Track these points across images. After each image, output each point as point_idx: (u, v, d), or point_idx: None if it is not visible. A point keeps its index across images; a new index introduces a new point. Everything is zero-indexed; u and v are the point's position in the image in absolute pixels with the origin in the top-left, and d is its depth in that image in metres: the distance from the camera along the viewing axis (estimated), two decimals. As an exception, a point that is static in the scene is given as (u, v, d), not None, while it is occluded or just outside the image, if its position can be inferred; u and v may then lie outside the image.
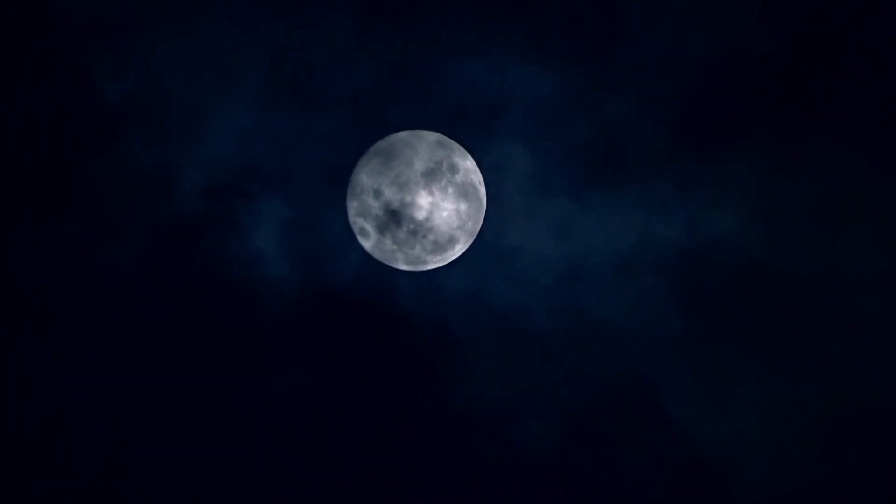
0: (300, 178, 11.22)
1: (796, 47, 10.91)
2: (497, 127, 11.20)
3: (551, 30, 11.08)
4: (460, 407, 11.20)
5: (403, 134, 10.44)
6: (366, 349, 11.24)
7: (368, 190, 10.18)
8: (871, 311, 10.85)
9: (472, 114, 11.20)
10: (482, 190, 10.61)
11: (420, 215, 10.00)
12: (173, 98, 11.16)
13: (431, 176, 10.07)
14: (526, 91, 11.17)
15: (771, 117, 10.94)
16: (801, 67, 10.91)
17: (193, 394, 11.19)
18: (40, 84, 11.07)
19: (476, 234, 10.57)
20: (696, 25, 10.96)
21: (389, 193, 10.04)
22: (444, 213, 10.10)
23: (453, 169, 10.22)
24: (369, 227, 10.28)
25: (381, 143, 10.40)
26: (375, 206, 10.13)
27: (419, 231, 10.07)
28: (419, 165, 10.09)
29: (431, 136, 10.44)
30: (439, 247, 10.29)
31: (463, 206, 10.27)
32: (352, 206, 10.41)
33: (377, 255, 10.48)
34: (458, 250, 10.55)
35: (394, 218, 10.04)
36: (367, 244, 10.44)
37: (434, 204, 10.03)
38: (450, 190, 10.14)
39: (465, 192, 10.29)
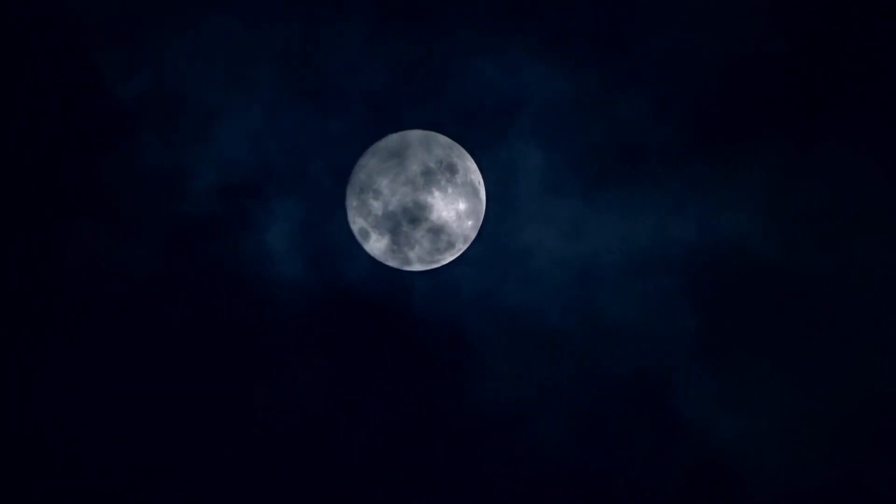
0: (313, 177, 11.22)
1: (810, 48, 10.93)
2: (510, 127, 11.22)
3: (565, 30, 11.09)
4: (474, 406, 11.21)
5: (403, 134, 10.47)
6: (379, 349, 11.25)
7: (368, 190, 10.20)
8: (884, 311, 10.88)
9: (486, 114, 11.21)
10: (482, 190, 10.63)
11: (420, 215, 10.01)
12: (186, 98, 11.16)
13: (430, 176, 10.09)
14: (539, 91, 11.19)
15: (784, 118, 10.96)
16: (814, 68, 10.93)
17: (206, 393, 11.20)
18: (53, 84, 11.07)
19: (476, 234, 10.59)
20: (709, 26, 10.97)
21: (389, 193, 10.05)
22: (444, 213, 10.12)
23: (452, 169, 10.24)
24: (369, 228, 10.30)
25: (380, 143, 10.43)
26: (375, 205, 10.14)
27: (418, 231, 10.08)
28: (418, 166, 10.11)
29: (431, 137, 10.46)
30: (439, 247, 10.31)
31: (462, 206, 10.29)
32: (351, 206, 10.43)
33: (376, 254, 10.50)
34: (458, 250, 10.57)
35: (393, 218, 10.05)
36: (366, 244, 10.46)
37: (434, 204, 10.05)
38: (449, 190, 10.15)
39: (465, 192, 10.31)
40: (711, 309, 11.01)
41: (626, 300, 11.13)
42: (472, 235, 10.58)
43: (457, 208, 10.22)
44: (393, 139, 10.45)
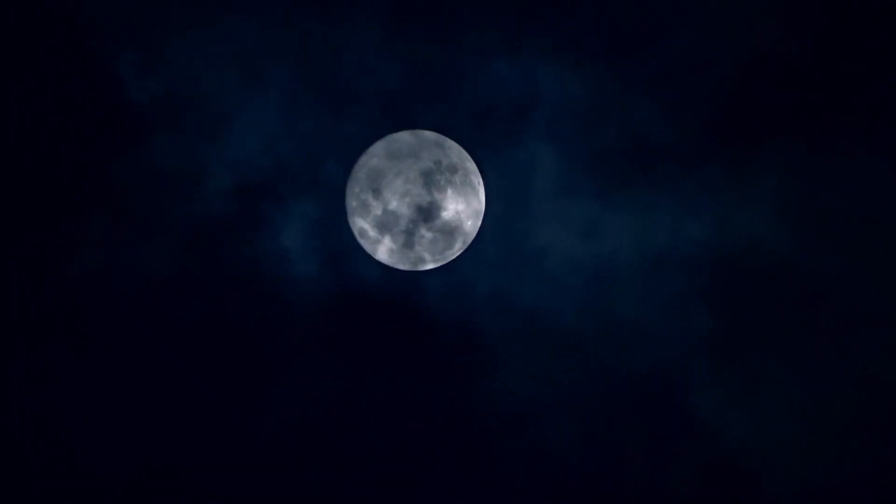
0: (327, 178, 11.24)
1: (823, 50, 10.95)
2: (525, 128, 11.24)
3: (579, 32, 11.12)
4: (489, 405, 11.23)
5: (402, 134, 10.50)
6: (394, 348, 11.27)
7: (367, 190, 10.22)
8: (898, 312, 10.92)
9: (501, 115, 11.24)
10: (481, 190, 10.65)
11: (419, 215, 10.04)
12: (201, 99, 11.18)
13: (430, 176, 10.11)
14: (554, 92, 11.21)
15: (798, 119, 10.99)
16: (828, 70, 10.96)
17: (221, 393, 11.21)
18: (69, 84, 11.08)
19: (475, 233, 10.62)
20: (723, 28, 11.00)
21: (388, 194, 10.07)
22: (444, 213, 10.14)
23: (452, 169, 10.27)
24: (369, 228, 10.32)
25: (379, 143, 10.45)
26: (375, 205, 10.17)
27: (418, 231, 10.11)
28: (417, 166, 10.13)
29: (431, 136, 10.49)
30: (438, 247, 10.34)
31: (462, 206, 10.32)
32: (351, 206, 10.45)
33: (375, 253, 10.52)
34: (458, 250, 10.59)
35: (393, 218, 10.07)
36: (366, 244, 10.48)
37: (433, 204, 10.07)
38: (449, 190, 10.18)
39: (464, 192, 10.34)
40: (725, 309, 11.04)
41: (641, 300, 11.16)
42: (472, 235, 10.62)
43: (456, 208, 10.25)
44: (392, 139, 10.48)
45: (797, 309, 10.98)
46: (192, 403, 11.22)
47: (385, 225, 10.17)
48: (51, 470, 11.04)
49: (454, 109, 11.17)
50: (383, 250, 10.42)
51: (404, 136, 10.46)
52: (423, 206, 10.05)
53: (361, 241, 10.54)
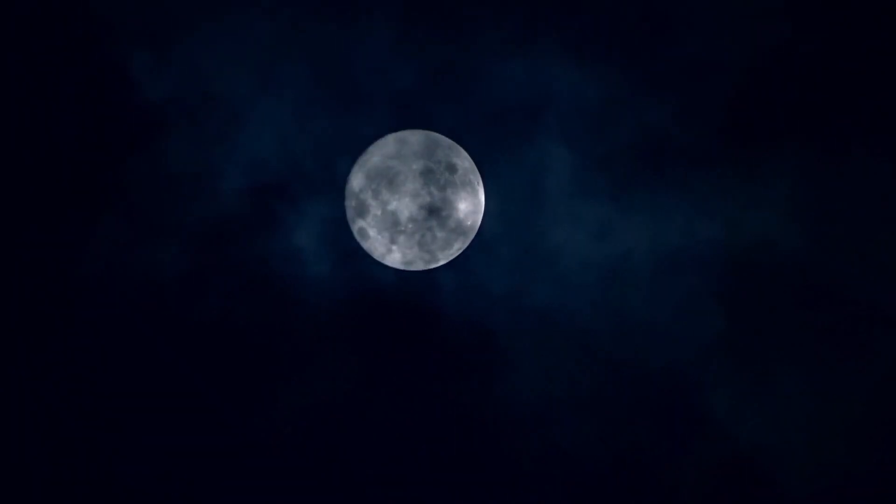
0: (341, 178, 11.24)
1: (839, 51, 11.01)
2: (538, 128, 11.27)
3: (593, 32, 11.15)
4: (502, 405, 11.24)
5: (400, 134, 10.52)
6: (407, 348, 11.27)
7: (367, 189, 10.23)
8: (911, 312, 10.97)
9: (514, 115, 11.26)
10: (481, 190, 10.67)
11: (419, 215, 10.05)
12: (214, 98, 11.18)
13: (429, 176, 10.12)
14: (567, 92, 11.24)
15: (812, 120, 11.04)
16: (843, 71, 11.02)
17: (234, 394, 11.20)
18: (81, 84, 11.07)
19: (475, 233, 10.64)
20: (738, 29, 11.05)
21: (387, 193, 10.08)
22: (444, 213, 10.16)
23: (452, 169, 10.28)
24: (368, 227, 10.33)
25: (379, 143, 10.46)
26: (374, 205, 10.18)
27: (418, 231, 10.12)
28: (417, 165, 10.15)
29: (427, 136, 10.51)
30: (437, 247, 10.35)
31: (462, 206, 10.33)
32: (350, 206, 10.46)
33: (374, 253, 10.53)
34: (457, 250, 10.61)
35: (392, 218, 10.08)
36: (365, 244, 10.49)
37: (433, 204, 10.08)
38: (448, 190, 10.20)
39: (463, 191, 10.36)
40: (739, 309, 11.07)
41: (654, 300, 11.18)
42: (472, 235, 10.64)
43: (456, 208, 10.26)
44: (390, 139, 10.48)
45: (811, 309, 11.02)
46: (204, 403, 11.20)
47: (384, 224, 10.17)
48: (67, 468, 11.02)
49: (467, 109, 11.20)
50: (381, 250, 10.43)
51: (392, 139, 10.48)
52: (423, 205, 10.07)
53: (360, 241, 10.54)
